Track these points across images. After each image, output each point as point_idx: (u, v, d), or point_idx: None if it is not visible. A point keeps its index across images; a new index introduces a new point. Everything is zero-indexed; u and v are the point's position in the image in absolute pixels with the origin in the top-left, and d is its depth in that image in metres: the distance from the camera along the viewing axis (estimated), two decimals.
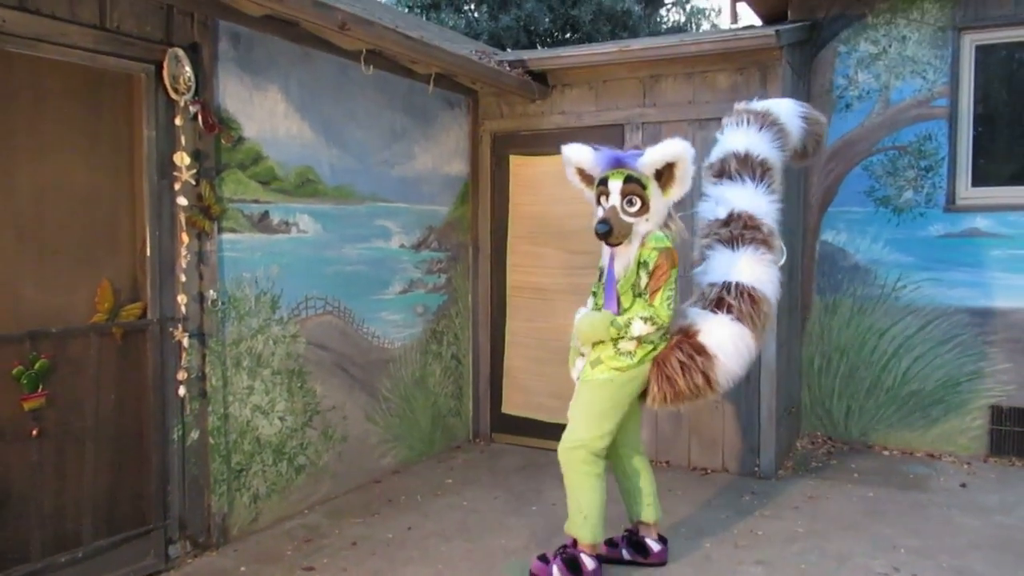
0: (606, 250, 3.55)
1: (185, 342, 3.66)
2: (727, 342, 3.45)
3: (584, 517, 3.45)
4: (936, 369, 5.53)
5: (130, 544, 3.50)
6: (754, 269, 3.54)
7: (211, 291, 3.80)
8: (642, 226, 3.43)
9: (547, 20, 13.68)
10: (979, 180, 5.48)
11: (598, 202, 3.50)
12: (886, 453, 5.59)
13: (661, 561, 3.69)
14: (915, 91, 5.54)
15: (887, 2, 5.60)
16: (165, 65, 3.50)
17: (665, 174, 3.40)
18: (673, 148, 3.36)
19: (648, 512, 3.71)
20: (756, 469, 5.04)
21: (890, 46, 5.59)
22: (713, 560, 3.78)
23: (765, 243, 3.59)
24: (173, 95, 3.54)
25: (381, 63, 4.63)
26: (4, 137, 3.08)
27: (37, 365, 3.12)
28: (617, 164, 3.44)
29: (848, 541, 3.99)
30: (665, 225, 3.50)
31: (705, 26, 17.43)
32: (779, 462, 5.12)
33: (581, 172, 3.65)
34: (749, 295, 3.49)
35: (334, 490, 4.61)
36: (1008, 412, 5.34)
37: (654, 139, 5.18)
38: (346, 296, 4.65)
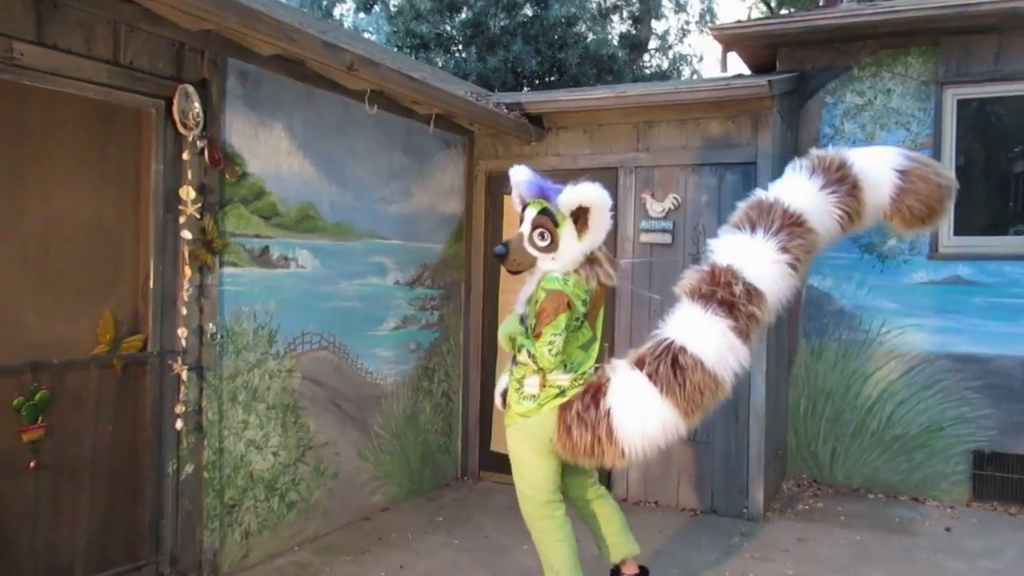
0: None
1: (184, 375, 3.66)
2: (631, 407, 3.13)
3: (556, 573, 3.36)
4: (919, 414, 5.62)
5: None
6: (705, 335, 3.10)
7: (211, 324, 3.81)
8: (547, 263, 3.25)
9: (534, 62, 13.91)
10: (961, 229, 5.63)
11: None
12: (871, 496, 5.65)
13: None
14: (899, 141, 5.70)
15: (873, 56, 5.79)
16: (175, 101, 3.55)
17: (580, 218, 3.21)
18: (587, 192, 3.17)
19: (614, 552, 3.59)
20: (744, 511, 5.07)
21: (875, 98, 5.77)
22: None
23: (734, 308, 3.10)
24: (182, 130, 3.59)
25: (382, 103, 4.71)
26: (15, 168, 3.11)
27: (37, 396, 3.12)
28: (539, 193, 3.29)
29: None
30: (576, 271, 3.24)
31: (687, 72, 17.82)
32: (767, 504, 5.16)
33: (520, 196, 3.48)
34: (677, 361, 3.08)
35: (324, 527, 4.58)
36: (990, 457, 5.43)
37: (647, 183, 5.31)
38: (341, 331, 4.66)
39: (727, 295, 3.10)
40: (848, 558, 4.40)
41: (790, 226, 3.21)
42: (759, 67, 6.51)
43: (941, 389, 5.56)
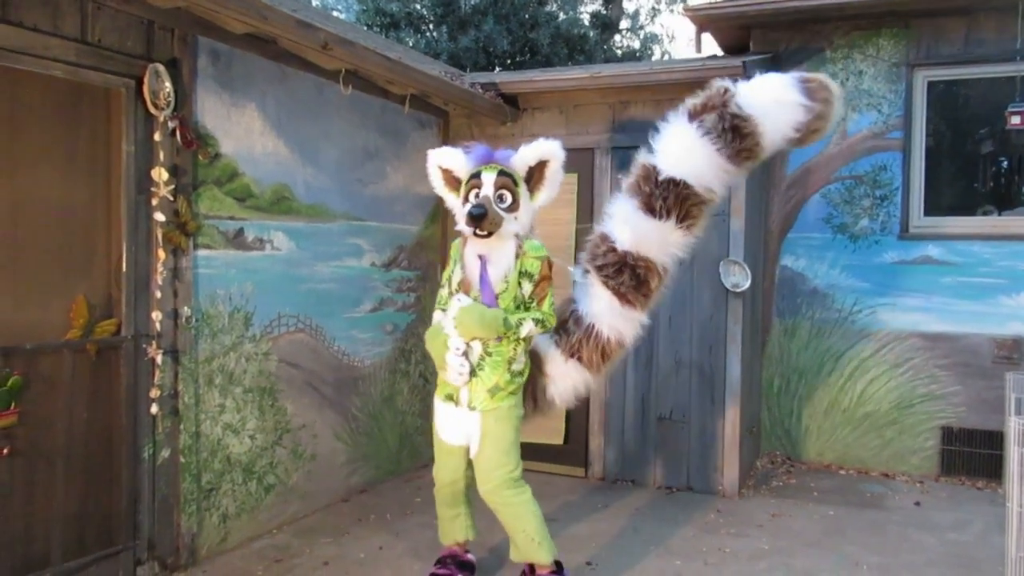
0: (473, 261, 3.42)
1: (159, 359, 3.61)
2: (570, 386, 3.68)
3: (537, 542, 3.43)
4: (890, 391, 5.72)
5: (98, 565, 3.44)
6: (620, 323, 3.61)
7: (185, 308, 3.76)
8: (511, 225, 3.38)
9: (506, 42, 13.83)
10: (931, 210, 5.72)
11: (466, 199, 3.42)
12: (843, 472, 5.75)
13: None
14: (871, 123, 5.77)
15: (845, 37, 5.83)
16: (145, 80, 3.48)
17: (536, 174, 3.42)
18: (547, 147, 3.38)
19: (473, 532, 3.78)
20: (720, 488, 5.14)
21: (847, 79, 5.81)
22: None
23: (647, 298, 3.62)
24: (152, 110, 3.52)
25: (356, 83, 4.65)
26: None
27: (10, 382, 3.06)
28: (491, 159, 3.43)
29: (812, 558, 4.10)
30: (531, 233, 3.51)
31: (658, 52, 17.80)
32: (742, 481, 5.23)
33: (448, 175, 3.58)
34: (603, 349, 3.61)
35: (303, 509, 4.57)
36: (958, 433, 5.55)
37: (624, 163, 5.30)
38: (318, 314, 4.63)
39: (645, 290, 3.60)
40: (821, 533, 4.49)
41: (693, 204, 3.51)
42: (733, 48, 6.52)
43: (911, 367, 5.66)
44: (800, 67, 5.91)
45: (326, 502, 4.76)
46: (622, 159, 5.33)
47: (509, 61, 14.22)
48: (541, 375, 3.67)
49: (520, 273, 3.40)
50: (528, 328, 3.38)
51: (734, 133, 3.41)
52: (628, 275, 3.55)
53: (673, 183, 3.46)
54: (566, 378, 3.67)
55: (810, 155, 5.92)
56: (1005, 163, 5.84)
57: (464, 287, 3.44)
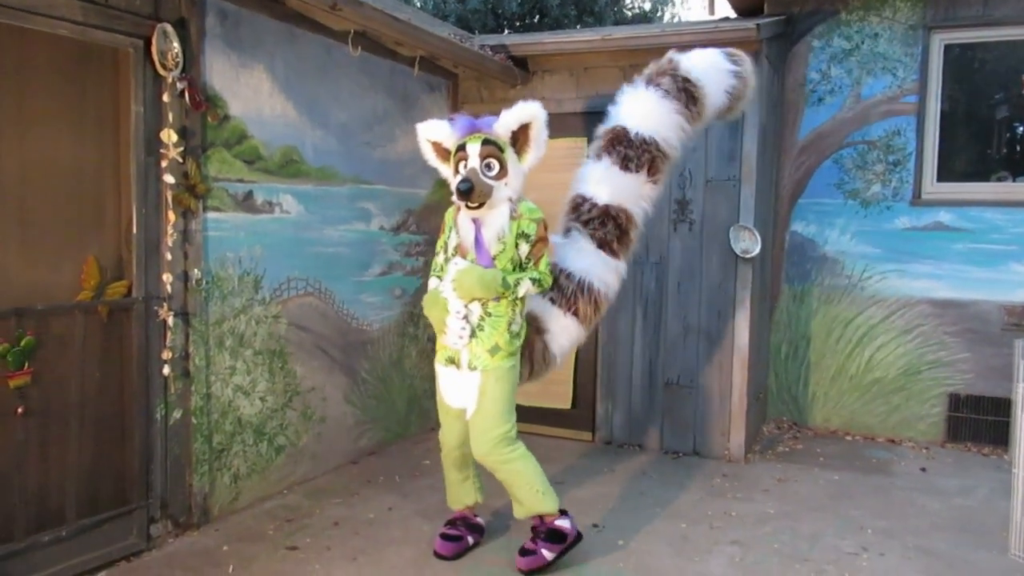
0: (466, 225, 3.46)
1: (170, 321, 3.63)
2: (567, 346, 3.78)
3: (540, 492, 3.49)
4: (898, 358, 5.72)
5: (112, 523, 3.48)
6: (607, 275, 3.77)
7: (195, 270, 3.77)
8: (502, 191, 3.42)
9: (515, 4, 13.65)
10: (944, 175, 5.67)
11: (456, 171, 3.48)
12: (849, 438, 5.78)
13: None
14: (885, 87, 5.69)
15: None
16: (153, 40, 3.45)
17: (520, 137, 3.43)
18: (527, 109, 3.40)
19: (480, 495, 3.83)
20: (726, 452, 5.17)
21: (862, 42, 5.73)
22: (690, 540, 3.89)
23: (627, 248, 3.83)
24: (161, 71, 3.49)
25: (365, 44, 4.61)
26: None
27: (23, 342, 3.08)
28: (474, 129, 3.44)
29: (818, 522, 4.14)
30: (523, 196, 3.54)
31: (669, 14, 17.54)
32: (748, 446, 5.26)
33: (438, 147, 3.61)
34: (595, 301, 3.73)
35: (313, 471, 4.62)
36: (965, 400, 5.56)
37: None
38: (327, 277, 4.64)
39: (628, 240, 3.80)
40: (827, 497, 4.52)
41: (655, 158, 3.80)
42: (746, 10, 6.42)
43: (920, 334, 5.66)
44: (813, 30, 5.84)
45: (336, 464, 4.81)
46: None
47: (518, 23, 14.05)
48: (540, 334, 3.71)
49: (517, 235, 3.44)
50: (526, 287, 3.44)
51: (687, 94, 3.84)
52: (612, 225, 3.76)
53: (644, 141, 3.77)
54: (565, 333, 3.75)
55: (822, 120, 5.87)
56: (1020, 128, 5.77)
57: (461, 252, 3.49)
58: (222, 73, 3.86)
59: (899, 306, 5.70)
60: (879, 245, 5.75)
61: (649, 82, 3.91)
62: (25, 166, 3.15)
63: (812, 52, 5.88)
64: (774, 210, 5.95)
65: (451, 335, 3.46)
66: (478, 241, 3.44)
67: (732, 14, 6.68)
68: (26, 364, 3.10)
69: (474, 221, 3.45)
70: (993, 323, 5.48)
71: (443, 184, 5.71)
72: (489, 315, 3.43)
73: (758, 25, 4.79)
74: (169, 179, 3.56)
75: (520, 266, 3.47)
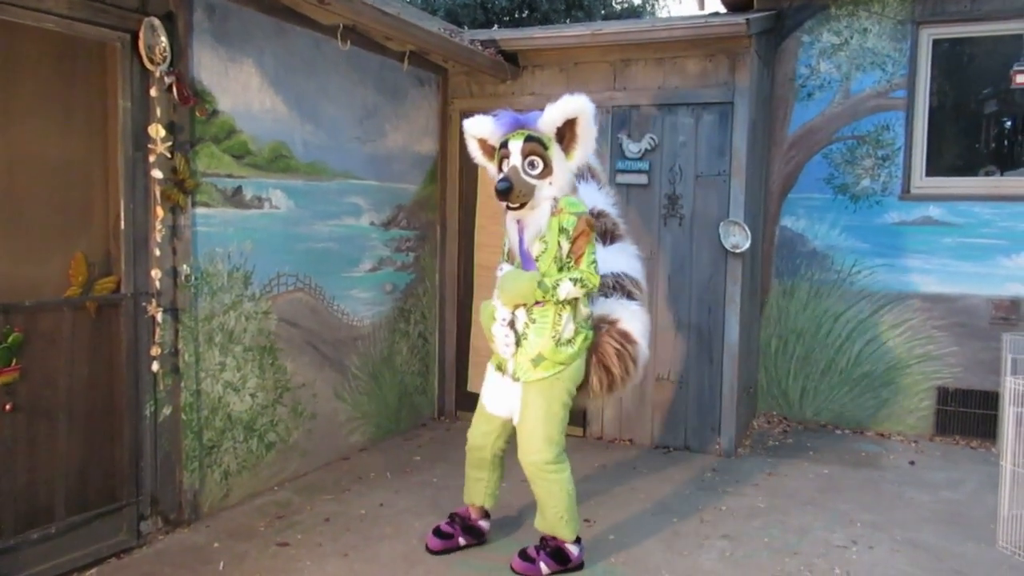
0: (512, 227, 3.42)
1: (159, 317, 3.61)
2: (642, 327, 3.62)
3: (564, 520, 3.40)
4: (887, 352, 5.75)
5: (102, 520, 3.47)
6: (630, 260, 3.78)
7: (184, 266, 3.75)
8: (546, 190, 3.29)
9: None
10: (932, 170, 5.69)
11: (500, 168, 3.38)
12: (838, 432, 5.81)
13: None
14: (874, 82, 5.71)
15: None
16: (141, 34, 3.42)
17: (567, 133, 3.27)
18: (573, 103, 3.24)
19: (494, 500, 3.75)
20: (717, 447, 5.18)
21: (852, 37, 5.74)
22: (681, 535, 3.90)
23: (622, 237, 3.84)
24: (148, 65, 3.47)
25: (354, 39, 4.59)
26: None
27: (10, 339, 3.06)
28: (517, 125, 3.32)
29: (807, 516, 4.15)
30: (572, 194, 3.43)
31: (659, 9, 17.53)
32: (738, 441, 5.28)
33: (484, 144, 3.54)
34: (638, 284, 3.74)
35: (303, 467, 4.61)
36: (953, 393, 5.59)
37: (624, 123, 5.27)
38: (317, 273, 4.63)
39: (620, 232, 3.83)
40: (817, 491, 4.54)
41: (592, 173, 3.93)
42: (736, 5, 6.41)
43: (909, 328, 5.68)
44: (803, 25, 5.85)
45: (326, 460, 4.80)
46: (623, 118, 5.28)
47: (507, 18, 14.02)
48: (616, 334, 3.50)
49: (558, 231, 3.28)
50: (566, 289, 3.25)
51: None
52: (605, 220, 3.82)
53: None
54: (635, 318, 3.62)
55: (812, 115, 5.88)
56: (1009, 123, 5.80)
57: (510, 256, 3.46)
58: (210, 68, 3.84)
59: (888, 300, 5.73)
60: (868, 240, 5.77)
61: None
62: (12, 161, 3.13)
63: (802, 47, 5.89)
64: (764, 205, 5.96)
65: (498, 344, 3.41)
66: (521, 243, 3.37)
67: (722, 9, 6.67)
68: (14, 360, 3.08)
69: (518, 223, 3.37)
70: (981, 317, 5.51)
71: (433, 180, 5.72)
72: (534, 322, 3.34)
73: (748, 20, 4.80)
74: (157, 174, 3.54)
75: (565, 265, 3.32)
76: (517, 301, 3.32)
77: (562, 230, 3.28)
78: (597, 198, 3.82)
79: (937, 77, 5.68)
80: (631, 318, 3.56)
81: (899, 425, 5.74)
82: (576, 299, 3.35)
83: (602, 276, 3.52)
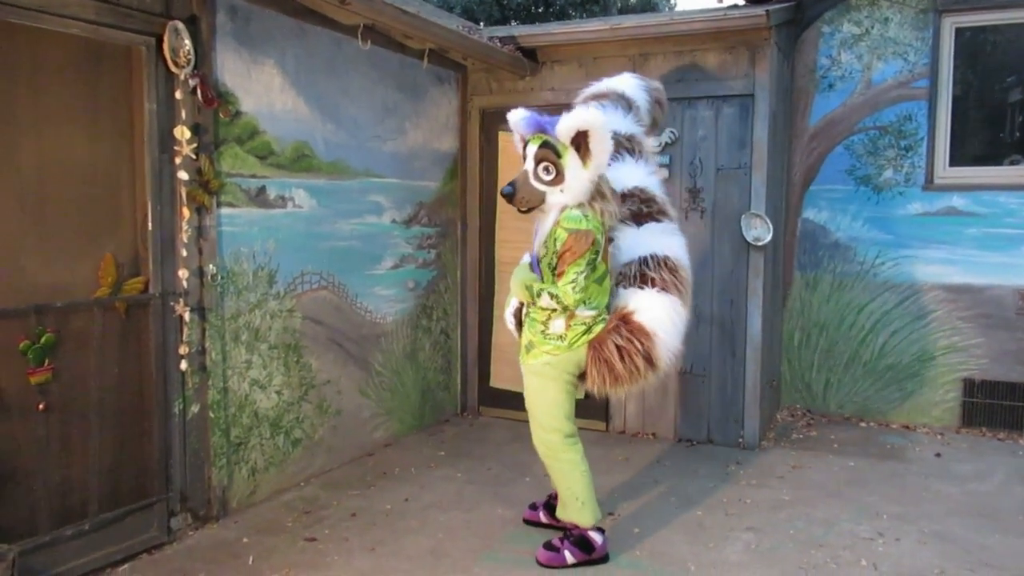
0: (537, 222, 3.50)
1: (186, 316, 3.67)
2: (664, 316, 3.43)
3: (581, 502, 3.49)
4: (912, 344, 5.70)
5: (133, 517, 3.53)
6: (663, 240, 3.58)
7: (210, 266, 3.80)
8: (556, 197, 3.31)
9: None
10: (956, 160, 5.63)
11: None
12: (863, 425, 5.77)
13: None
14: (896, 72, 5.66)
15: None
16: (165, 38, 3.47)
17: (582, 144, 3.25)
18: (582, 116, 3.24)
19: None
20: (740, 440, 5.18)
21: (872, 27, 5.70)
22: (706, 527, 3.91)
23: (663, 213, 3.68)
24: (173, 68, 3.52)
25: (374, 38, 4.62)
26: (6, 110, 3.05)
27: (43, 339, 3.12)
28: (538, 128, 3.34)
29: (833, 508, 4.14)
30: (588, 204, 3.33)
31: (674, 1, 17.43)
32: (762, 433, 5.27)
33: (522, 139, 3.53)
34: (666, 265, 3.49)
35: (329, 463, 4.66)
36: (980, 385, 5.54)
37: None
38: (340, 271, 4.67)
39: (657, 207, 3.68)
40: (842, 483, 4.52)
41: (637, 146, 3.82)
42: None
43: (934, 319, 5.64)
44: (823, 16, 5.81)
45: (351, 456, 4.85)
46: None
47: (524, 14, 14.02)
48: (625, 326, 3.43)
49: (553, 241, 3.33)
50: (545, 300, 3.35)
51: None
52: (635, 201, 3.67)
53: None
54: (652, 307, 3.44)
55: (833, 106, 5.84)
56: None
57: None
58: (233, 69, 3.88)
59: (912, 292, 5.68)
60: (892, 231, 5.73)
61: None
62: (42, 165, 3.19)
63: (822, 38, 5.85)
64: (785, 197, 5.93)
65: (509, 327, 3.75)
66: (535, 242, 3.51)
67: (741, 1, 6.64)
68: (46, 361, 3.14)
69: (536, 221, 3.50)
70: (1007, 307, 5.45)
71: (453, 176, 5.75)
72: (527, 315, 3.54)
73: (768, 12, 4.78)
74: (183, 175, 3.60)
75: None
76: (515, 295, 3.54)
77: (555, 242, 3.33)
78: (634, 174, 3.71)
79: (960, 66, 5.63)
80: (645, 307, 3.43)
81: (925, 417, 5.69)
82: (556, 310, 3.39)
83: (625, 264, 3.56)
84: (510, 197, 3.38)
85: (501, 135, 5.75)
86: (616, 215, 3.47)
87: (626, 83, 4.03)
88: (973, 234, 5.52)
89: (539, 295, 3.37)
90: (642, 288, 3.47)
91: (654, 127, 4.20)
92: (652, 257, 3.51)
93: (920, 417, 5.70)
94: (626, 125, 3.82)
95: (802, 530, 3.87)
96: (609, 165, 3.53)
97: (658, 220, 3.66)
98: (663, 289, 3.46)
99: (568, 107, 3.47)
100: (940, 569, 3.46)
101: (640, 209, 3.65)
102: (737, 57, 5.04)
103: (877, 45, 5.70)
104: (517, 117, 3.47)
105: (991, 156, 5.67)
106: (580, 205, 3.31)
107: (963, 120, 5.66)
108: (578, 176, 3.28)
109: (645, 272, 3.49)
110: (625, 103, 3.90)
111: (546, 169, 3.30)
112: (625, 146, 3.75)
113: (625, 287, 3.54)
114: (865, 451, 5.13)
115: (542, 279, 3.42)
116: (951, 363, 5.61)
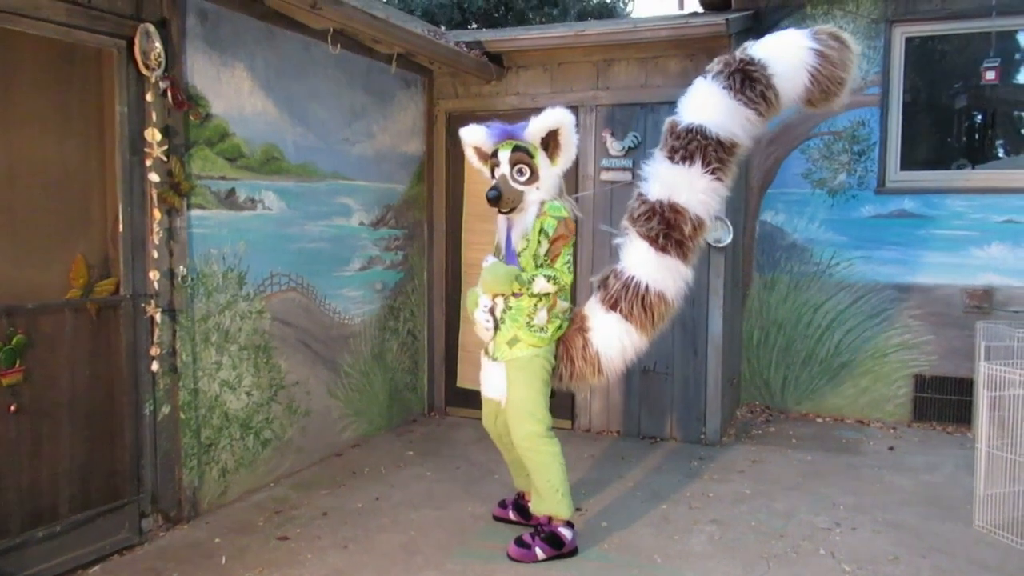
0: (502, 224, 3.68)
1: (157, 318, 3.68)
2: (613, 341, 3.59)
3: (561, 494, 3.59)
4: (865, 341, 5.91)
5: (105, 518, 3.53)
6: (658, 272, 3.53)
7: (181, 267, 3.81)
8: (533, 194, 3.57)
9: None
10: (907, 164, 5.85)
11: (492, 175, 3.64)
12: (819, 420, 5.96)
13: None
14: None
15: None
16: (136, 41, 3.49)
17: (551, 143, 3.55)
18: (554, 116, 3.50)
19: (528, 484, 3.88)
20: (702, 436, 5.32)
21: None
22: (671, 520, 4.02)
23: (681, 245, 3.52)
24: (144, 71, 3.53)
25: (343, 42, 4.66)
26: None
27: (14, 341, 3.12)
28: (506, 136, 3.59)
29: (792, 500, 4.29)
30: (561, 197, 3.65)
31: (631, 7, 17.64)
32: (723, 430, 5.41)
33: (478, 151, 3.81)
34: (643, 299, 3.52)
35: (298, 463, 4.69)
36: (930, 380, 5.75)
37: (608, 121, 5.38)
38: (309, 273, 4.70)
39: (678, 236, 3.51)
40: (800, 476, 4.68)
41: (714, 150, 3.46)
42: (714, 5, 6.55)
43: (886, 318, 5.84)
44: (779, 25, 5.97)
45: (321, 456, 4.88)
46: (606, 117, 5.40)
47: (485, 19, 14.10)
48: (583, 332, 3.66)
49: (539, 232, 3.54)
50: (540, 284, 3.52)
51: (743, 76, 3.45)
52: (657, 220, 3.49)
53: (689, 131, 3.46)
54: (607, 330, 3.59)
55: (790, 112, 5.99)
56: (979, 118, 5.98)
57: (496, 250, 3.71)
58: (204, 72, 3.90)
59: (866, 291, 5.88)
60: (846, 233, 5.93)
61: (707, 72, 3.61)
62: (13, 167, 3.18)
63: None
64: (744, 200, 6.10)
65: (479, 327, 3.72)
66: (508, 239, 3.63)
67: (699, 9, 6.80)
68: (17, 362, 3.14)
69: (508, 220, 3.64)
70: (956, 306, 5.68)
71: (420, 179, 5.81)
72: (510, 309, 3.60)
73: (727, 20, 4.93)
74: (154, 177, 3.61)
75: (543, 263, 3.58)
76: (495, 290, 3.59)
77: (543, 231, 3.56)
78: (681, 184, 3.51)
79: (910, 74, 5.85)
80: (601, 328, 3.61)
81: (878, 412, 5.90)
82: (551, 293, 3.58)
83: (613, 273, 3.64)
84: (496, 200, 3.53)
85: None
86: (575, 212, 3.72)
87: (771, 43, 3.55)
88: (923, 235, 5.74)
89: (532, 281, 3.52)
90: (608, 312, 3.59)
91: (822, 96, 3.61)
92: (636, 284, 3.53)
93: (874, 412, 5.90)
94: (699, 112, 3.49)
95: (763, 522, 4.00)
96: (663, 161, 3.53)
97: (667, 253, 3.52)
98: (626, 318, 3.56)
99: (537, 111, 3.59)
100: (894, 555, 3.62)
101: (659, 233, 3.49)
102: (698, 64, 5.17)
103: None
104: (477, 131, 3.71)
105: (940, 160, 5.90)
106: (554, 198, 3.60)
107: (913, 126, 5.88)
108: (549, 173, 3.58)
109: (619, 298, 3.55)
110: (738, 75, 3.46)
111: (520, 171, 3.55)
112: (694, 148, 3.46)
113: (596, 301, 3.68)
114: (822, 445, 5.31)
115: (541, 265, 3.59)
116: (903, 360, 5.82)
